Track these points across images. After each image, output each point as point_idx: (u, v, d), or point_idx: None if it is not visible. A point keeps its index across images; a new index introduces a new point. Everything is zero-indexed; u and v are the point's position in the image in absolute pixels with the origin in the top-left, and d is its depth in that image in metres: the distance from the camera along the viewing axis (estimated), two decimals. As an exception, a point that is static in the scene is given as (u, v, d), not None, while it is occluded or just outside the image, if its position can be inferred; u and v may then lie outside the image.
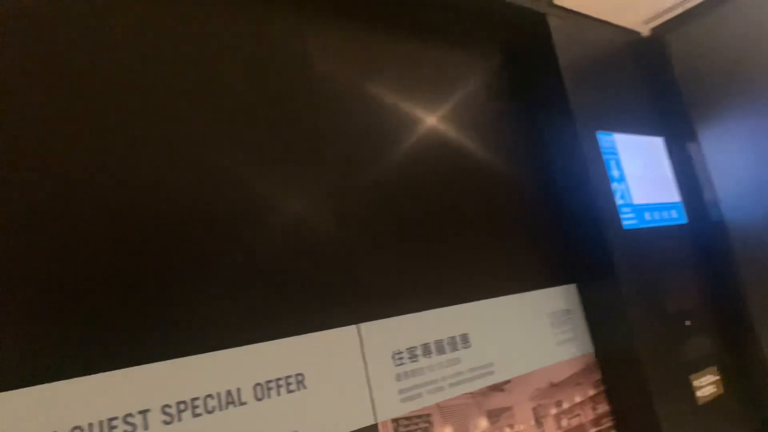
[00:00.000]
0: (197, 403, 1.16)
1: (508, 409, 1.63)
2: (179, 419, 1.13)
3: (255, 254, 1.32)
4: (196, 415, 1.15)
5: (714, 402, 1.96)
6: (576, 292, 1.98)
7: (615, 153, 2.07)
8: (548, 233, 1.99)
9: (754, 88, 2.18)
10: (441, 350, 1.55)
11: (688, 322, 2.02)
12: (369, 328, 1.45)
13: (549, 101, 2.04)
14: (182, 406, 1.14)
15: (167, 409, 1.13)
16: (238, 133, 1.39)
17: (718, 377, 2.02)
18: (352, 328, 1.42)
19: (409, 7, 1.86)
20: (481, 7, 1.96)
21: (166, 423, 1.12)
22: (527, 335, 1.77)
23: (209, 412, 1.17)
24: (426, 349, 1.53)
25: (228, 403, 1.19)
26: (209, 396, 1.18)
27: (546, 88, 2.05)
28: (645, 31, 2.44)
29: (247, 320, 1.27)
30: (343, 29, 1.68)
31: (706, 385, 1.97)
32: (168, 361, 1.16)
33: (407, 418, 1.43)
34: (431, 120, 1.78)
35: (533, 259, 1.91)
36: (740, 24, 2.21)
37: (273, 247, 1.36)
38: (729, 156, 2.25)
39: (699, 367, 1.98)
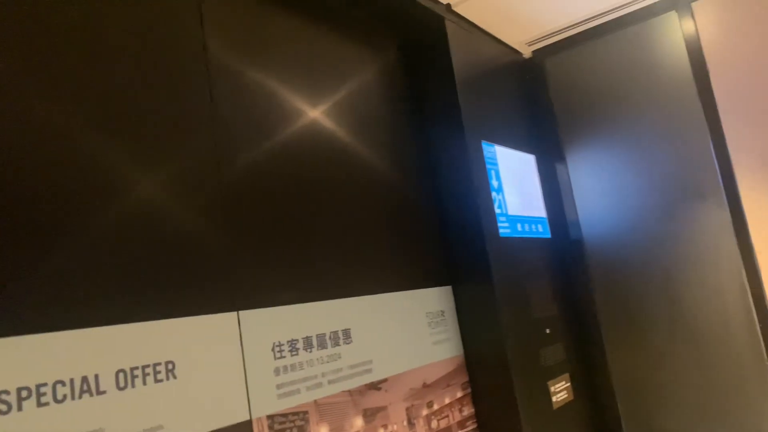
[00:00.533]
0: (44, 390, 0.96)
1: (383, 408, 1.58)
2: (19, 408, 0.93)
3: (123, 228, 1.15)
4: (41, 405, 0.95)
5: (566, 407, 2.07)
6: (451, 294, 1.99)
7: (495, 164, 2.13)
8: (429, 234, 1.99)
9: (617, 118, 2.36)
10: (323, 344, 1.46)
11: (548, 330, 2.12)
12: (250, 316, 1.32)
13: (440, 104, 2.05)
14: (24, 393, 0.94)
15: (4, 396, 0.92)
16: (118, 110, 1.21)
17: (569, 384, 2.14)
18: (232, 315, 1.29)
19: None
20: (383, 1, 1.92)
21: (1, 413, 0.91)
22: (406, 334, 1.74)
23: (59, 402, 0.97)
24: (308, 343, 1.43)
25: (83, 392, 1.01)
26: (59, 382, 0.99)
27: (438, 91, 2.06)
28: (527, 52, 2.57)
29: (111, 297, 1.09)
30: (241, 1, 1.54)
31: (560, 391, 2.07)
32: (7, 339, 0.95)
33: (283, 415, 1.32)
34: (320, 112, 1.70)
35: (414, 258, 1.89)
36: (611, 58, 2.39)
37: (144, 223, 1.18)
38: (591, 179, 2.42)
39: (555, 374, 2.08)
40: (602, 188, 2.38)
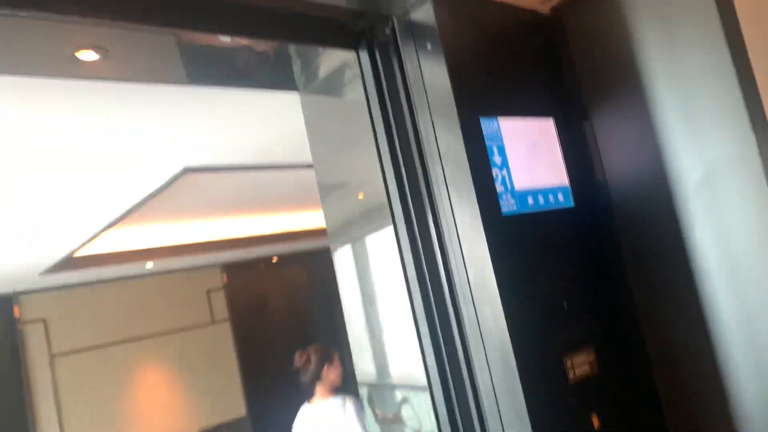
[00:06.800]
0: None
1: None
2: None
3: None
4: None
5: (586, 381, 2.03)
6: (454, 277, 2.01)
7: (499, 138, 2.07)
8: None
9: (646, 74, 2.18)
10: None
11: (565, 304, 2.07)
12: None
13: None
14: None
15: None
16: None
17: (593, 357, 2.08)
18: None
19: None
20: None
21: None
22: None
23: None
24: None
25: None
26: None
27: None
28: (545, 9, 2.42)
29: None
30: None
31: (580, 365, 2.03)
32: None
33: None
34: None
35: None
36: (637, 10, 2.20)
37: None
38: (619, 139, 2.27)
39: (574, 348, 2.04)
40: (632, 148, 2.23)
